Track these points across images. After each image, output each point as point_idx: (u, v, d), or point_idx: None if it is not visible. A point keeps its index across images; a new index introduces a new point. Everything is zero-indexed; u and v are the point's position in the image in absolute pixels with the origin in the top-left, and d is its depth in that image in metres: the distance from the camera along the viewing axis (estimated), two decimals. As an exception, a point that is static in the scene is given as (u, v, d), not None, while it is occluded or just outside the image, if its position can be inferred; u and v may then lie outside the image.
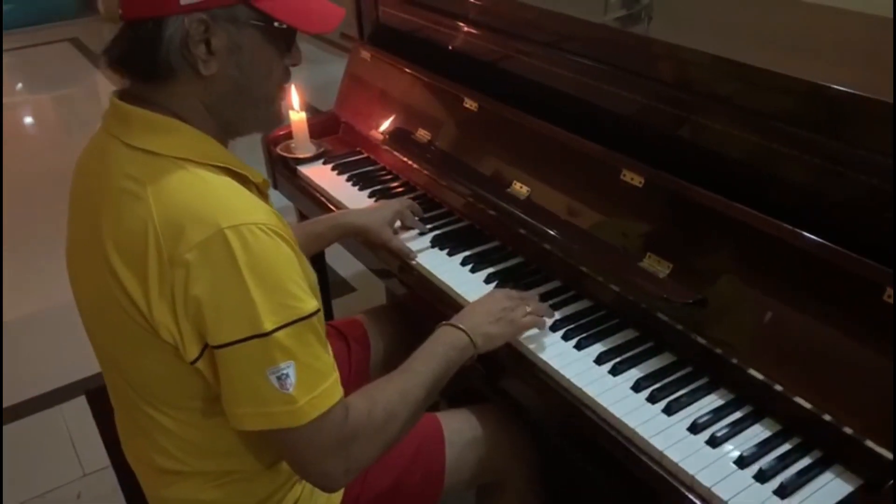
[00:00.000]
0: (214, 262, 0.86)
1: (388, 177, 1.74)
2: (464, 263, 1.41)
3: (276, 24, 0.95)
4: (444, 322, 1.15)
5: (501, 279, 1.35)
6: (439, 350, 1.10)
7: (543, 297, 1.30)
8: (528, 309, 1.21)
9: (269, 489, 1.07)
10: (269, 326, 0.87)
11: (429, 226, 1.52)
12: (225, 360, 0.89)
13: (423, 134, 1.64)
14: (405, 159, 1.67)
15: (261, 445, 1.04)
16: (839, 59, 1.21)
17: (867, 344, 0.96)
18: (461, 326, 1.13)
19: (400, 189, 1.68)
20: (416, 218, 1.52)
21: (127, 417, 1.07)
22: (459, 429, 1.27)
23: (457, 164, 1.52)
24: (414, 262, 1.43)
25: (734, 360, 1.08)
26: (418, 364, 1.07)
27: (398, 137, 1.68)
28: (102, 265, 0.92)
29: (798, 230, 1.02)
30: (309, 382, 0.90)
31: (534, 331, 1.21)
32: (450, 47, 1.67)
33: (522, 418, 1.33)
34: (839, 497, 0.93)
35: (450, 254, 1.44)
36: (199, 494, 1.05)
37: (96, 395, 1.49)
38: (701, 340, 1.12)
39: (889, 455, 0.92)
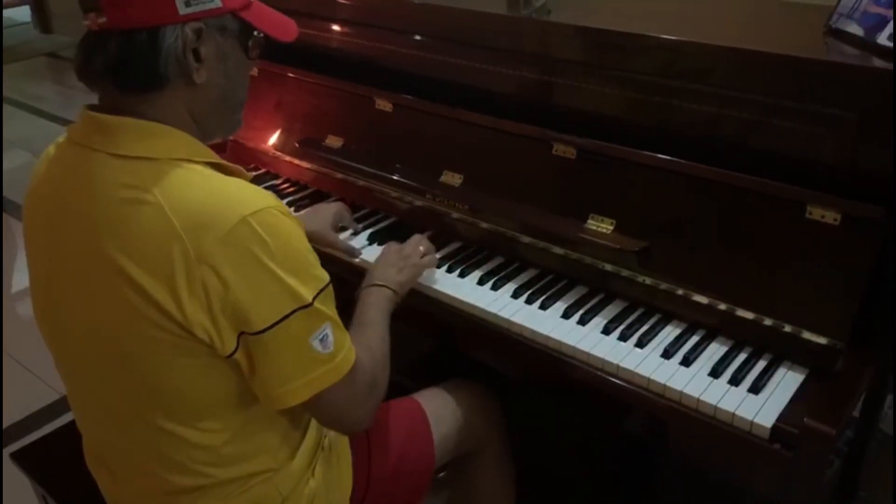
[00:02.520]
0: (244, 249, 0.88)
1: (293, 188, 1.76)
2: (408, 254, 1.47)
3: (255, 33, 1.00)
4: (364, 286, 1.26)
5: (449, 261, 1.43)
6: (382, 304, 1.22)
7: (491, 273, 1.40)
8: (422, 249, 1.35)
9: (289, 486, 1.08)
10: (309, 297, 0.92)
11: (360, 225, 1.57)
12: (269, 342, 0.91)
13: (333, 140, 1.67)
14: (315, 167, 1.69)
15: (285, 435, 1.06)
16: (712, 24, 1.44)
17: (793, 254, 1.16)
18: (381, 283, 1.25)
19: (307, 200, 1.70)
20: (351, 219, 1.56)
21: (127, 446, 1.03)
22: (439, 405, 1.34)
23: (379, 164, 1.57)
24: (358, 260, 1.47)
25: (679, 292, 1.24)
26: (372, 317, 1.18)
27: (305, 147, 1.70)
28: (115, 280, 0.89)
29: (721, 169, 1.20)
30: (340, 339, 0.98)
31: (503, 302, 1.32)
32: (348, 52, 1.72)
33: (491, 388, 1.42)
34: (796, 385, 1.12)
35: (391, 247, 1.49)
36: (222, 507, 1.03)
37: (28, 452, 1.39)
38: (648, 281, 1.27)
39: (822, 341, 1.12)
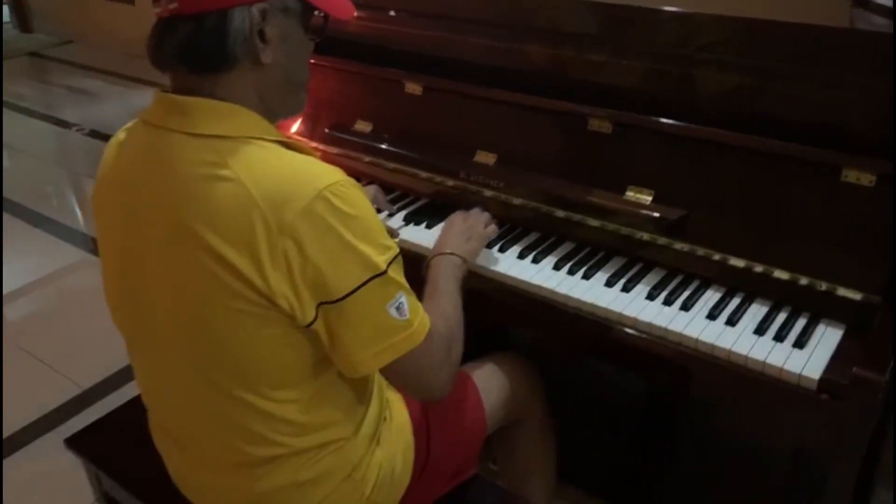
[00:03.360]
0: (322, 221, 0.92)
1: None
2: (446, 232, 1.51)
3: (316, 12, 1.03)
4: (433, 255, 1.30)
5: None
6: (450, 273, 1.26)
7: (529, 247, 1.44)
8: (484, 219, 1.41)
9: (358, 455, 1.11)
10: (383, 265, 0.96)
11: (395, 207, 1.61)
12: (347, 310, 0.95)
13: (362, 125, 1.71)
14: (344, 152, 1.72)
15: (352, 405, 1.10)
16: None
17: (829, 216, 1.21)
18: (450, 252, 1.29)
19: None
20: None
21: (203, 418, 1.06)
22: (488, 376, 1.38)
23: (411, 146, 1.61)
24: (398, 240, 1.50)
25: (718, 257, 1.29)
26: (444, 286, 1.21)
27: (335, 132, 1.73)
28: (198, 253, 0.93)
29: (757, 136, 1.25)
30: (414, 305, 1.02)
31: (546, 274, 1.37)
32: (374, 37, 1.75)
33: (533, 359, 1.47)
34: (836, 340, 1.18)
35: (428, 226, 1.53)
36: (297, 476, 1.07)
37: (84, 437, 1.42)
38: (686, 248, 1.32)
39: (857, 296, 1.18)
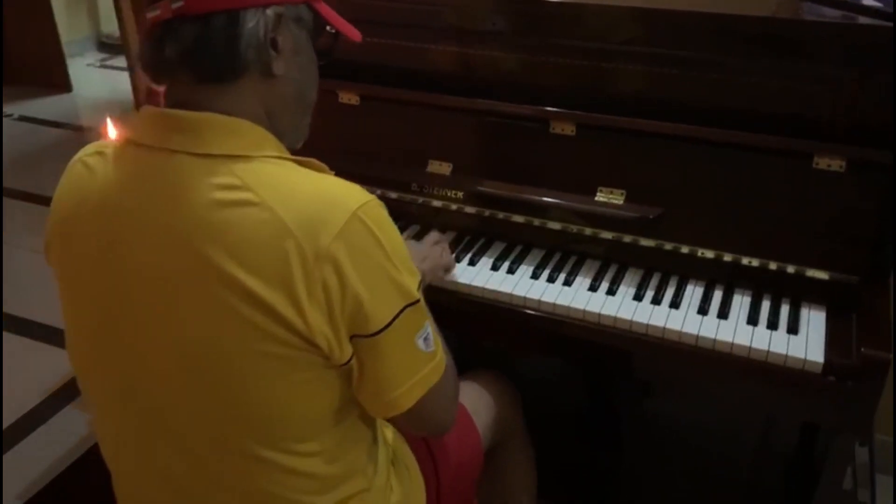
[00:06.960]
0: (359, 244, 0.82)
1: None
2: (406, 249, 1.41)
3: (327, 28, 0.95)
4: None
5: (454, 251, 1.39)
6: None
7: (500, 258, 1.39)
8: (440, 248, 1.32)
9: (378, 503, 1.00)
10: (416, 292, 0.88)
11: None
12: (382, 344, 0.85)
13: (292, 140, 1.56)
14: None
15: (370, 451, 1.00)
16: None
17: (805, 203, 1.25)
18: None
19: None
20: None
21: (209, 487, 0.90)
22: (474, 399, 1.31)
23: (351, 159, 1.49)
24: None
25: (699, 253, 1.29)
26: None
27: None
28: (221, 291, 0.80)
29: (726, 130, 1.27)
30: (436, 336, 0.93)
31: (527, 284, 1.32)
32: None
33: (508, 373, 1.41)
34: (822, 322, 1.21)
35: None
36: (317, 540, 0.93)
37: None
38: (668, 247, 1.31)
39: (824, 276, 1.22)
